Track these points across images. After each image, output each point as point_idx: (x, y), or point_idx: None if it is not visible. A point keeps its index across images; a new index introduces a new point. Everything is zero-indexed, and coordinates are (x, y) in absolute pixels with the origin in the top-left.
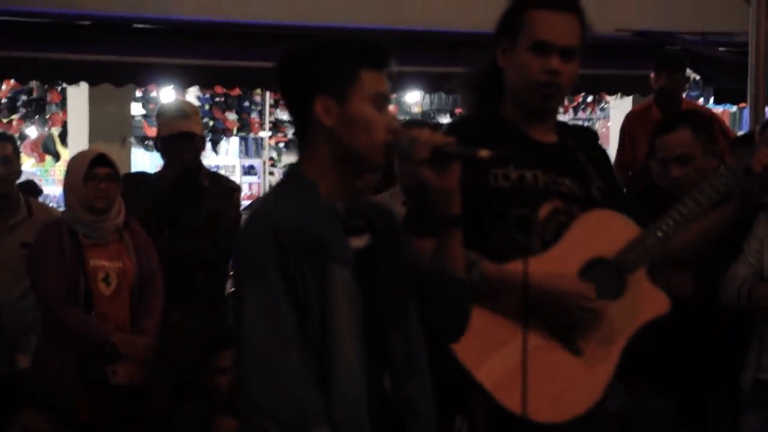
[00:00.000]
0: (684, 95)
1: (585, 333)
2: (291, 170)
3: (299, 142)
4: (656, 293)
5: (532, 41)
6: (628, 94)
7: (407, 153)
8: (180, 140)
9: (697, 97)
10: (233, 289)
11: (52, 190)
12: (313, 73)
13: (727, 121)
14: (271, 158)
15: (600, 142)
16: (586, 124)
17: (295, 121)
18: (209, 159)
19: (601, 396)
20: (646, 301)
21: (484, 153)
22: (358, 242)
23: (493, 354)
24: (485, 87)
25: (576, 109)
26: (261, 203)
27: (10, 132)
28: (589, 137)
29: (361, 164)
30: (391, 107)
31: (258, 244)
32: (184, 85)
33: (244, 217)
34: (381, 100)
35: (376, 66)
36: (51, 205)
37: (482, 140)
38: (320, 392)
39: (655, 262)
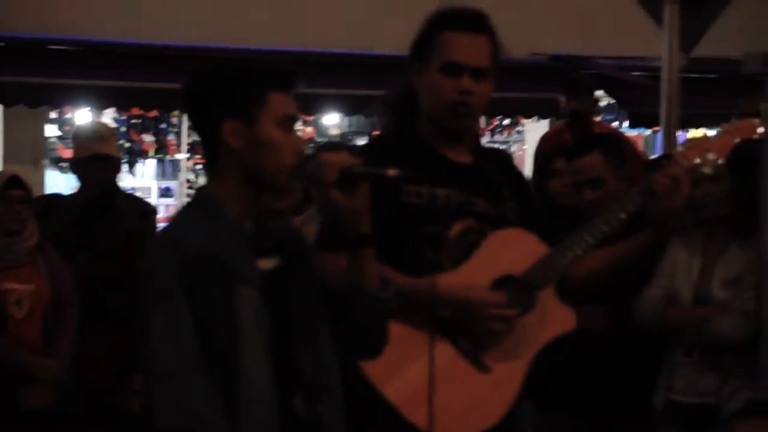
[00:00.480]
0: (599, 118)
1: (492, 348)
2: (199, 192)
3: (208, 163)
4: (563, 310)
5: (442, 62)
6: (544, 118)
7: (315, 175)
8: (96, 162)
9: (612, 120)
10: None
11: None
12: (221, 95)
13: (641, 144)
14: (188, 180)
15: (515, 164)
16: (502, 146)
17: (203, 142)
18: (126, 181)
19: (507, 410)
20: (554, 318)
21: (392, 172)
22: (267, 263)
23: (401, 370)
24: (401, 108)
25: (493, 132)
26: (168, 227)
27: None
28: (504, 159)
29: (267, 186)
30: (309, 129)
31: (163, 267)
32: (101, 107)
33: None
34: (289, 122)
35: (284, 88)
36: None
37: (396, 159)
38: (224, 415)
39: (565, 285)
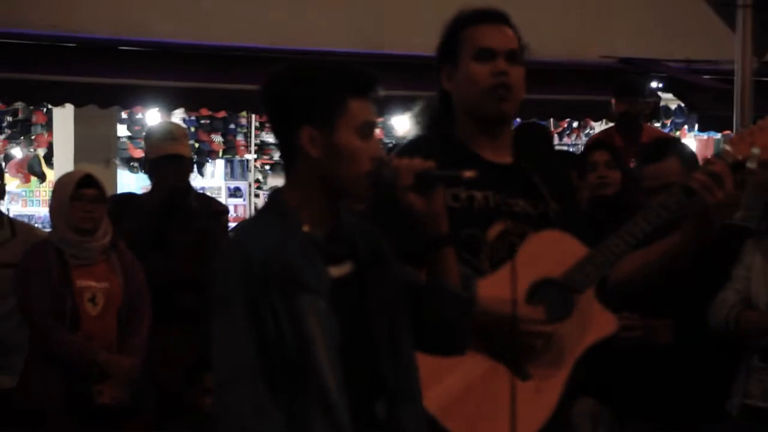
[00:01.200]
0: (668, 121)
1: (533, 356)
2: (274, 197)
3: (285, 168)
4: (604, 313)
5: (475, 51)
6: (612, 120)
7: (391, 181)
8: (168, 162)
9: (682, 124)
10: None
11: (37, 210)
12: (299, 102)
13: (711, 148)
14: (257, 180)
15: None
16: (571, 149)
17: (280, 147)
18: (195, 181)
19: (548, 418)
20: (594, 322)
21: (468, 173)
22: (340, 270)
23: (441, 379)
24: (437, 111)
25: (561, 135)
26: (237, 232)
27: None
28: (551, 158)
29: (345, 194)
30: (377, 131)
31: (226, 274)
32: (170, 108)
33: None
34: (368, 129)
35: (363, 94)
36: (36, 225)
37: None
38: (280, 426)
39: (606, 284)
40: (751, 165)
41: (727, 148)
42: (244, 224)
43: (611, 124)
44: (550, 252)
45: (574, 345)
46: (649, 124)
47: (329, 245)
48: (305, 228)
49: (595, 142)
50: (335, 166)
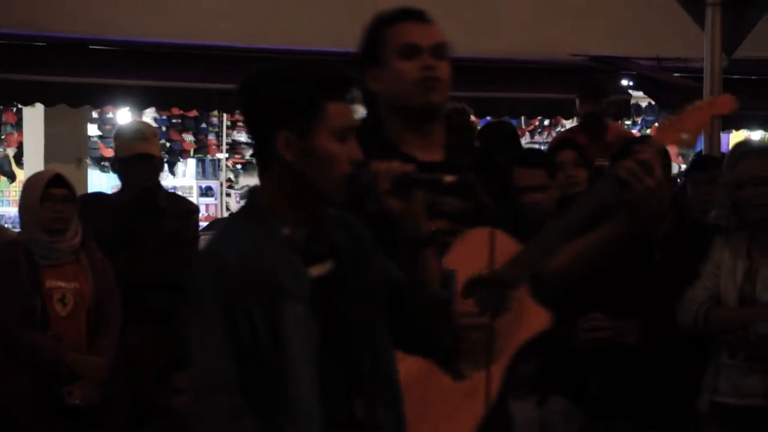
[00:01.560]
0: (639, 119)
1: (468, 355)
2: (249, 199)
3: (259, 169)
4: (537, 309)
5: (399, 48)
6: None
7: (369, 184)
8: (138, 162)
9: (653, 122)
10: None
11: (7, 210)
12: (276, 105)
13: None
14: (228, 179)
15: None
16: (542, 147)
17: (255, 148)
18: (166, 180)
19: (485, 415)
20: (529, 318)
21: (449, 178)
22: (319, 270)
23: None
24: (366, 114)
25: (533, 133)
26: (213, 237)
27: None
28: (484, 154)
29: (321, 197)
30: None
31: (202, 283)
32: (141, 107)
33: (201, 238)
34: (346, 132)
35: (340, 96)
36: (6, 225)
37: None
38: None
39: (540, 279)
40: (681, 150)
41: (655, 135)
42: (219, 227)
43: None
44: (483, 249)
45: (509, 341)
46: (618, 122)
47: (309, 245)
48: (285, 230)
49: (561, 142)
50: (312, 170)
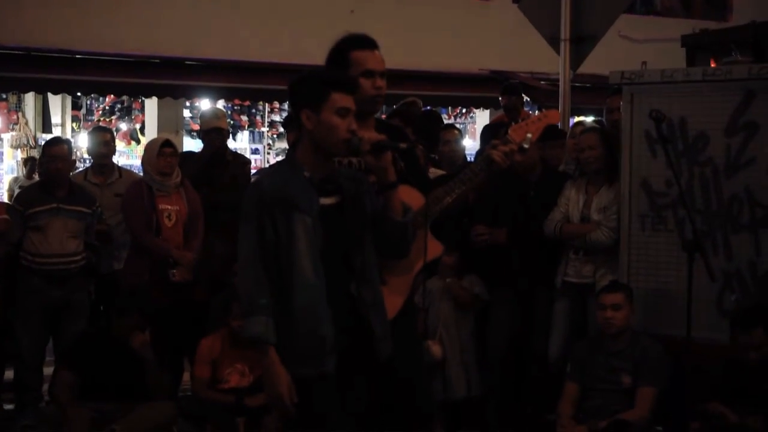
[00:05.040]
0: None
1: (386, 270)
2: (288, 153)
3: (295, 134)
4: (433, 241)
5: (362, 71)
6: (486, 108)
7: (357, 146)
8: (214, 132)
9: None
10: None
11: (136, 162)
12: (300, 93)
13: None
14: (269, 144)
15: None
16: (461, 126)
17: (294, 121)
18: (230, 144)
19: (398, 313)
20: (429, 246)
21: (403, 144)
22: (328, 200)
23: None
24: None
25: (456, 117)
26: (260, 174)
27: (110, 126)
28: (400, 133)
29: (329, 153)
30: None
31: (248, 201)
32: (215, 99)
33: (253, 179)
34: (344, 111)
35: (342, 88)
36: (134, 171)
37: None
38: (270, 295)
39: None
40: (525, 145)
41: (511, 133)
42: (265, 169)
43: (498, 112)
44: (405, 193)
45: (415, 262)
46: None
47: (322, 184)
48: (306, 173)
49: (496, 124)
50: (322, 135)
